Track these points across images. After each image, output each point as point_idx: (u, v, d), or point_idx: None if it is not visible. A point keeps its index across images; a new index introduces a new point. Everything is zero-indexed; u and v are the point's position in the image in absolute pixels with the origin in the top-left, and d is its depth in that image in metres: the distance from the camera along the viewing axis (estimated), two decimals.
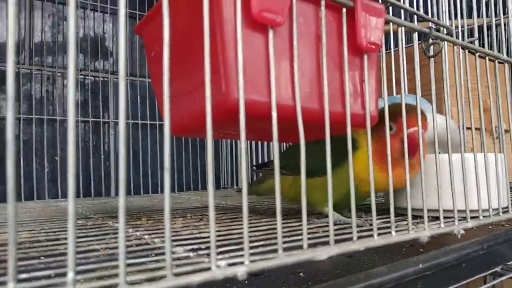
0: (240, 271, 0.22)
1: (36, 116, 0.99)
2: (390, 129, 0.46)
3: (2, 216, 0.62)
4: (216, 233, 0.40)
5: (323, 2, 0.30)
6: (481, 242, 0.40)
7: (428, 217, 0.43)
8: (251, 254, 0.28)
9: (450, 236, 0.37)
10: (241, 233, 0.39)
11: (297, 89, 0.28)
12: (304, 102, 0.29)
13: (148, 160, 1.13)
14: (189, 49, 0.30)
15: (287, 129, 0.30)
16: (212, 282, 0.21)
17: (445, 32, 0.40)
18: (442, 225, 0.37)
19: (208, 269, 0.22)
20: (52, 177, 1.01)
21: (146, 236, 0.40)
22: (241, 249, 0.29)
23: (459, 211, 0.44)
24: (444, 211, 0.38)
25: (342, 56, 0.32)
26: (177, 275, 0.21)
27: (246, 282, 0.29)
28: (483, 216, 0.41)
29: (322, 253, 0.27)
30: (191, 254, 0.33)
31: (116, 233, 0.43)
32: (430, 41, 0.38)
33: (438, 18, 0.48)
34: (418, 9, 0.42)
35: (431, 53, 0.38)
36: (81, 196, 1.01)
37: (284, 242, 0.29)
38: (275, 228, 0.39)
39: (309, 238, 0.27)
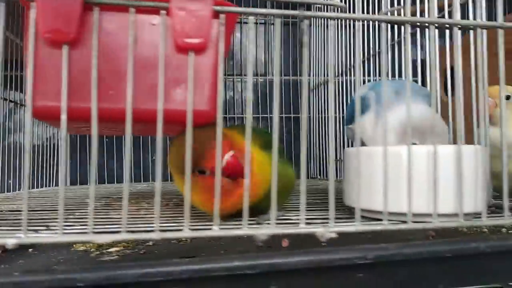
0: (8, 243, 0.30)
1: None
2: (204, 172, 0.41)
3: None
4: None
5: (132, 10, 0.32)
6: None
7: None
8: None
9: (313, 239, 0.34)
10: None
11: (94, 92, 0.32)
12: (112, 103, 0.33)
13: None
14: None
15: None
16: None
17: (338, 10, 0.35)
18: (302, 224, 0.34)
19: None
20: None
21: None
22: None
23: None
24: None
25: (167, 56, 0.34)
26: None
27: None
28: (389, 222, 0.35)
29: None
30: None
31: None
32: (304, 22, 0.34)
33: None
34: None
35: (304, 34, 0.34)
36: None
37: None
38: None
39: None
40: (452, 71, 0.93)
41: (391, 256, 0.33)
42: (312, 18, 0.34)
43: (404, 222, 0.35)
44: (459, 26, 0.36)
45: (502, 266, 0.36)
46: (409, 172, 0.35)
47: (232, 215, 0.44)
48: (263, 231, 0.33)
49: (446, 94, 1.29)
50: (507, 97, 0.49)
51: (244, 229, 0.33)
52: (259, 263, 0.32)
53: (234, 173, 0.41)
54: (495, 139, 0.44)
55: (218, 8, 0.33)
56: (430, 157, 0.35)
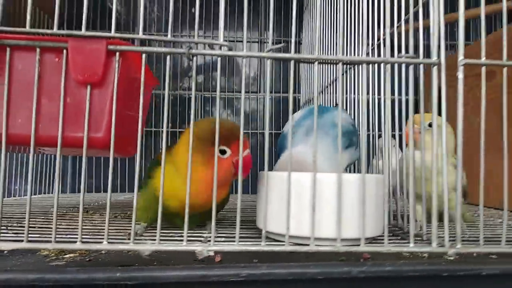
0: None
1: None
2: (224, 152, 0.47)
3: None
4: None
5: (37, 50, 0.38)
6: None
7: None
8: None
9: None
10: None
11: (4, 121, 0.37)
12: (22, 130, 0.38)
13: None
14: None
15: None
16: None
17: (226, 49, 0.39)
18: (184, 242, 0.38)
19: None
20: None
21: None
22: None
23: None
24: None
25: (69, 89, 0.38)
26: None
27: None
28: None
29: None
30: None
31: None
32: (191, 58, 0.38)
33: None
34: None
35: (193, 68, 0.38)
36: None
37: None
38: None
39: None
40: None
41: (262, 275, 0.36)
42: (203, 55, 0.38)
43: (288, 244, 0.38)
44: (342, 61, 0.39)
45: None
46: (288, 196, 0.37)
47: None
48: (148, 247, 0.37)
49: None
50: (429, 125, 0.51)
51: (131, 244, 0.37)
52: (138, 275, 0.36)
53: (246, 168, 0.46)
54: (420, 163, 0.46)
55: (112, 47, 0.38)
56: (316, 185, 0.38)
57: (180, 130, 1.20)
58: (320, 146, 0.43)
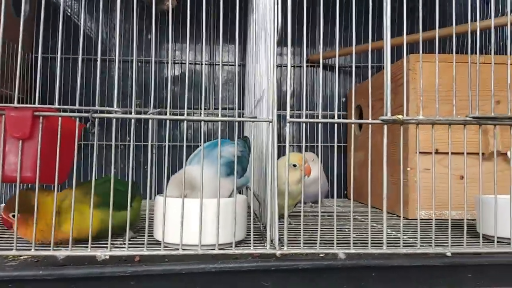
0: None
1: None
2: None
3: None
4: None
5: None
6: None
7: None
8: None
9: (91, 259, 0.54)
10: None
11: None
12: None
13: None
14: None
15: None
16: None
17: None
18: (89, 249, 0.54)
19: None
20: None
21: None
22: None
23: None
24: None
25: (9, 142, 0.54)
26: None
27: None
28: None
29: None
30: None
31: None
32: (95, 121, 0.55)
33: None
34: None
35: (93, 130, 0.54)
36: None
37: None
38: None
39: None
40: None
41: (143, 271, 0.53)
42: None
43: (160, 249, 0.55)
44: (203, 120, 0.55)
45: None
46: (164, 215, 0.54)
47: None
48: (62, 253, 0.53)
49: (360, 130, 1.46)
50: (294, 165, 0.69)
51: (51, 251, 0.54)
52: (54, 272, 0.52)
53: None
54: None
55: (37, 113, 0.54)
56: (184, 207, 0.55)
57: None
58: (205, 170, 0.59)
